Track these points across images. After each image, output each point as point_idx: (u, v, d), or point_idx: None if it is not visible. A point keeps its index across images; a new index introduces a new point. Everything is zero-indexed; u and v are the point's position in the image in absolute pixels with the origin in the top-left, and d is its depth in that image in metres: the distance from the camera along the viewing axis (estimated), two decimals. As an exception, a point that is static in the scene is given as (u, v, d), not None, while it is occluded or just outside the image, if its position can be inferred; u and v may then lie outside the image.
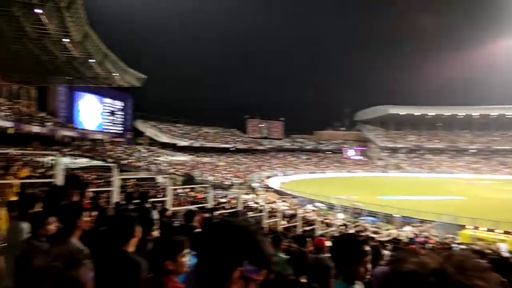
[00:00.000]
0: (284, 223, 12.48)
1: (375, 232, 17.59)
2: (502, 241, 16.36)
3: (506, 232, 18.30)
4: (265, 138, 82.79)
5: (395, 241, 12.84)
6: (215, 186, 27.50)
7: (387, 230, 20.25)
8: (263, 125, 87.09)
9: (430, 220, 22.02)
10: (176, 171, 42.19)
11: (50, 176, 8.79)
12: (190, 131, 69.68)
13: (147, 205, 5.06)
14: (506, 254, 10.55)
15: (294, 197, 33.38)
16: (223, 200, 21.54)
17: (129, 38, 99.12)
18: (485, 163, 67.92)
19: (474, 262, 0.63)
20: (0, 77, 35.92)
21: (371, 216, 24.22)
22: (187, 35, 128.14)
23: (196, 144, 64.23)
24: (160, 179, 26.67)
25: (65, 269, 1.53)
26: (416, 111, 78.36)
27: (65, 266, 1.55)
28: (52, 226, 2.84)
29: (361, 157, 75.77)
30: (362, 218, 23.79)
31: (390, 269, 0.69)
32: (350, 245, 1.85)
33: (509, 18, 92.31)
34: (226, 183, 42.97)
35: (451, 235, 18.57)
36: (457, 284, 0.59)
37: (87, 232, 2.94)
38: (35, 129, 34.97)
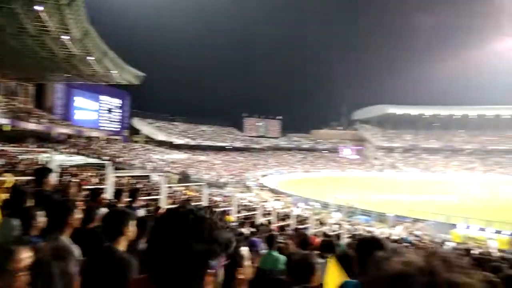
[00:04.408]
0: (278, 222, 12.60)
1: (367, 231, 17.76)
2: (492, 240, 16.60)
3: (497, 232, 18.56)
4: (262, 136, 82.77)
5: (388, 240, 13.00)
6: (210, 185, 27.60)
7: (380, 228, 20.45)
8: (260, 123, 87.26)
9: (422, 219, 22.28)
10: (172, 169, 42.25)
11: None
12: (187, 129, 69.65)
13: (136, 204, 5.08)
14: (496, 253, 10.74)
15: (289, 196, 33.48)
16: (218, 198, 21.64)
17: (129, 37, 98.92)
18: (480, 163, 68.33)
19: (459, 258, 0.59)
20: (-2, 74, 35.85)
21: (365, 215, 24.42)
22: (186, 34, 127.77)
23: (193, 142, 64.19)
24: (155, 177, 26.70)
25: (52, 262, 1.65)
26: (413, 111, 78.27)
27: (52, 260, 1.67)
28: (41, 222, 2.79)
29: (357, 157, 75.90)
30: (355, 217, 23.97)
31: (376, 271, 0.62)
32: (375, 248, 1.78)
33: (506, 18, 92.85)
34: (221, 181, 43.07)
35: (442, 234, 18.80)
36: (446, 282, 0.55)
37: (78, 230, 3.01)
38: (31, 126, 34.86)
